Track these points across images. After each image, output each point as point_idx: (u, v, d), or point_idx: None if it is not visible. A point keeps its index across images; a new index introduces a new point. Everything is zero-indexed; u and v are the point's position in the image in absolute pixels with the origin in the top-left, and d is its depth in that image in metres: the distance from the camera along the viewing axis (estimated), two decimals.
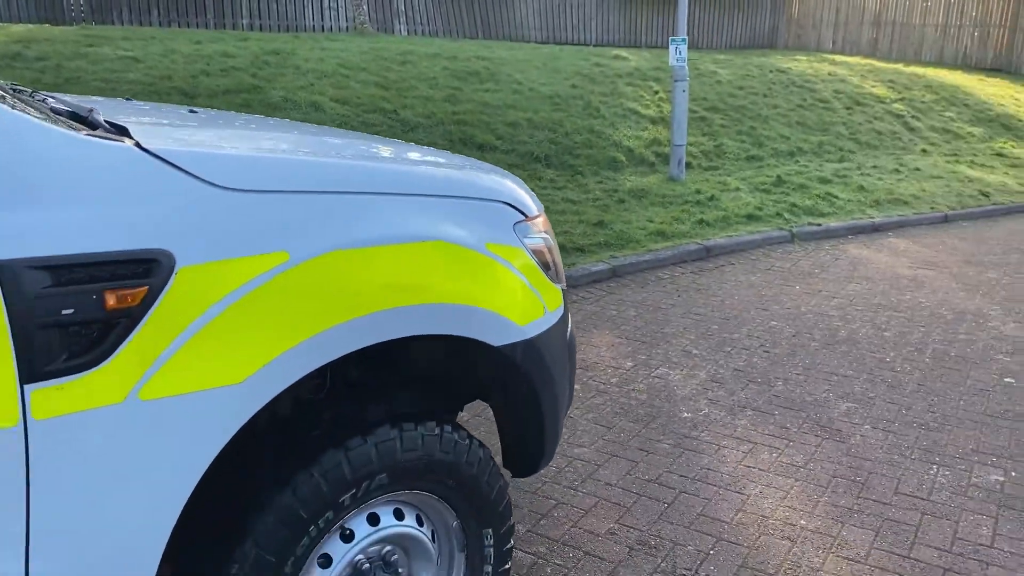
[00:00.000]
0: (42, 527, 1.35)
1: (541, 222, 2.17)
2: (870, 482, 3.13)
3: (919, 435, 3.52)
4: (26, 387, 1.28)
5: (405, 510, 1.91)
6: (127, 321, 1.37)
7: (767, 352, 4.43)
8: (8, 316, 1.26)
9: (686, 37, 8.11)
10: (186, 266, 1.43)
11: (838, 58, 18.38)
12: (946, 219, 7.74)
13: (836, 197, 7.92)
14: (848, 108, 12.22)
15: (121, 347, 1.37)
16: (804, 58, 17.34)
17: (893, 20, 23.09)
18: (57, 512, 1.35)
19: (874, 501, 3.00)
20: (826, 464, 3.26)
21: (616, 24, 22.05)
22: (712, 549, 2.70)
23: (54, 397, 1.31)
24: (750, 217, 7.12)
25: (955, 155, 10.62)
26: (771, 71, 13.89)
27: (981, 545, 2.74)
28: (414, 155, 2.18)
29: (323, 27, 17.47)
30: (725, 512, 2.92)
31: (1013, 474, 3.20)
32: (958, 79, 15.90)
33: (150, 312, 1.39)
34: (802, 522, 2.86)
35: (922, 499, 3.02)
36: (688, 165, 8.68)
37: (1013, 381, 4.11)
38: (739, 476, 3.16)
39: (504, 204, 2.02)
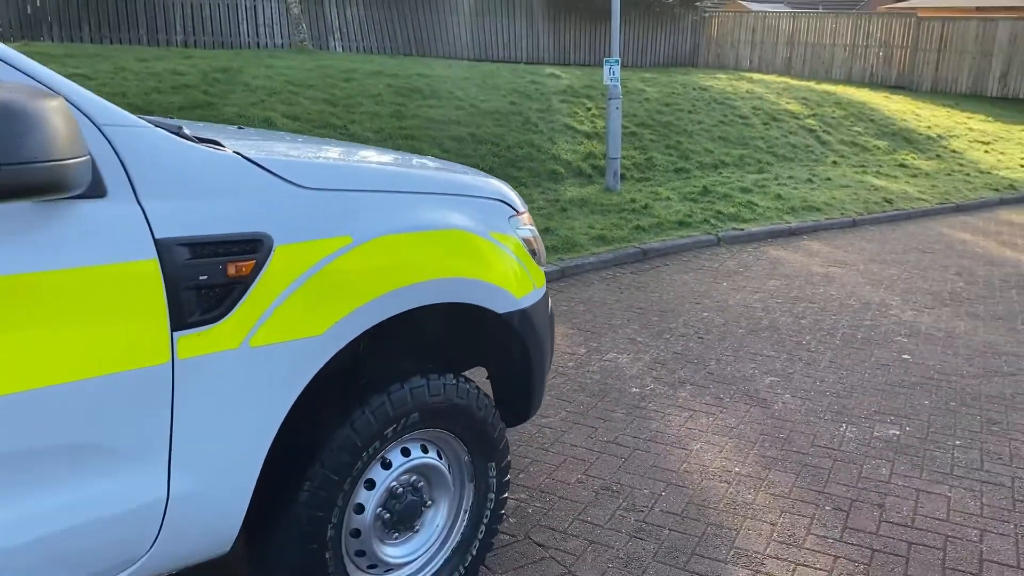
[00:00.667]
0: (180, 440, 1.78)
1: (527, 217, 2.68)
2: (791, 438, 3.72)
3: (831, 401, 4.14)
4: (175, 334, 1.73)
5: (428, 446, 2.38)
6: (241, 287, 1.82)
7: (701, 338, 5.02)
8: (164, 279, 1.70)
9: (619, 59, 8.75)
10: (280, 245, 1.88)
11: (755, 76, 19.44)
12: (854, 223, 8.54)
13: (756, 205, 8.65)
14: (765, 124, 13.10)
15: (237, 306, 1.82)
16: (724, 76, 18.33)
17: (805, 41, 24.43)
18: (191, 429, 1.79)
19: (795, 452, 3.59)
20: (754, 425, 3.84)
21: (545, 43, 22.78)
22: (663, 492, 3.23)
23: (192, 342, 1.75)
24: (681, 223, 7.77)
25: (862, 166, 11.55)
26: (694, 89, 14.73)
27: (880, 482, 3.34)
28: (432, 164, 2.67)
29: (258, 43, 17.66)
30: (673, 464, 3.46)
31: (907, 429, 3.83)
32: (865, 96, 17.07)
33: (256, 280, 1.85)
34: (736, 469, 3.42)
35: (834, 449, 3.62)
36: (622, 176, 9.31)
37: (909, 357, 4.79)
38: (683, 436, 3.71)
39: (501, 202, 2.53)
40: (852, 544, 2.90)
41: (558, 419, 3.87)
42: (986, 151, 13.59)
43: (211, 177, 1.83)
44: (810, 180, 10.21)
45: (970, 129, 15.24)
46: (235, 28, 17.47)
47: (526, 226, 2.63)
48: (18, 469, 1.58)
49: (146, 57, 10.88)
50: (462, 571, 2.48)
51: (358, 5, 19.11)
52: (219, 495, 1.88)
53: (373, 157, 2.50)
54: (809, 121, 13.63)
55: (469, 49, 21.10)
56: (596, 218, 7.75)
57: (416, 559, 2.40)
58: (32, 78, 1.59)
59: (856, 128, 13.77)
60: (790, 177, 10.33)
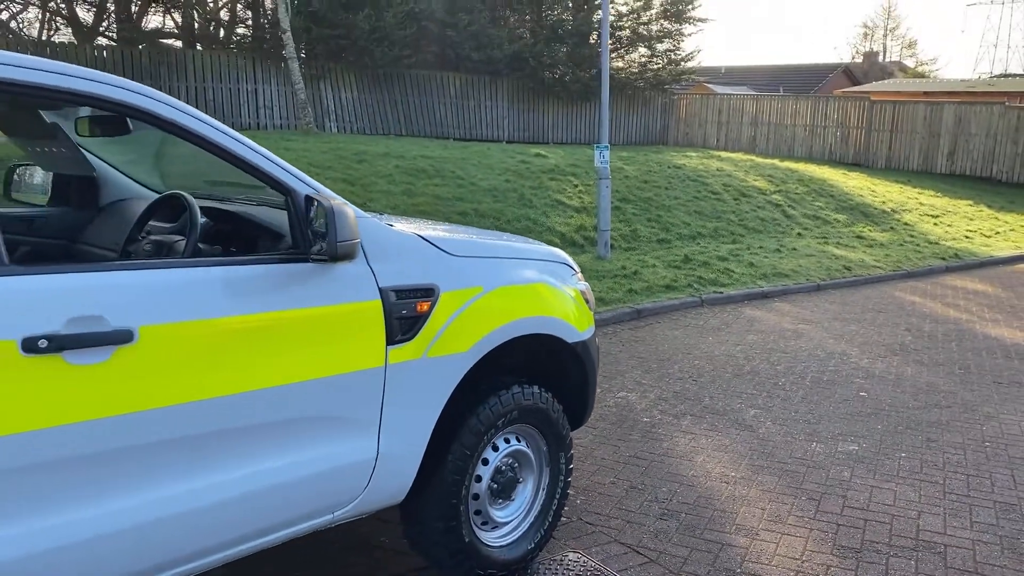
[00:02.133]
0: (386, 420, 2.74)
1: (580, 275, 3.70)
2: (773, 452, 4.71)
3: (803, 427, 5.14)
4: (388, 347, 2.70)
5: (520, 437, 3.33)
6: (423, 318, 2.81)
7: (695, 381, 6.02)
8: (384, 312, 2.68)
9: (608, 145, 9.95)
10: (444, 292, 2.88)
11: (723, 154, 20.95)
12: (818, 288, 9.68)
13: (733, 271, 9.78)
14: (736, 199, 14.40)
15: (420, 331, 2.80)
16: (694, 154, 19.79)
17: (768, 121, 26.18)
18: (392, 412, 2.75)
19: (777, 462, 4.56)
20: (744, 444, 4.82)
21: (526, 123, 24.26)
22: (678, 489, 4.18)
23: (396, 353, 2.73)
24: (667, 287, 8.85)
25: (824, 237, 12.81)
26: (669, 167, 16.08)
27: (843, 481, 4.32)
28: (518, 240, 3.70)
29: (258, 124, 18.84)
30: (683, 471, 4.42)
31: (864, 445, 4.83)
32: (825, 173, 18.55)
33: (431, 314, 2.83)
34: (732, 474, 4.39)
35: (807, 460, 4.60)
36: (612, 246, 10.42)
37: (865, 394, 5.82)
38: (689, 452, 4.68)
39: (565, 264, 3.55)
40: (823, 522, 3.87)
41: (588, 440, 4.82)
42: (935, 223, 14.98)
43: (405, 249, 2.83)
44: (779, 250, 11.41)
45: (921, 203, 16.69)
46: (237, 110, 18.66)
47: (581, 282, 3.65)
48: (301, 430, 2.53)
49: None
50: (541, 533, 3.41)
51: (351, 89, 20.42)
52: (404, 458, 2.83)
53: (487, 236, 3.51)
54: (775, 197, 14.97)
55: (455, 129, 22.47)
56: (593, 283, 8.80)
57: (512, 520, 3.33)
58: (311, 186, 2.60)
59: (818, 203, 15.12)
60: (760, 247, 11.52)
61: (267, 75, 19.09)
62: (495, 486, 3.22)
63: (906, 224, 14.67)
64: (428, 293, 2.83)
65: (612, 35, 27.15)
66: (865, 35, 62.32)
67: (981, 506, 4.07)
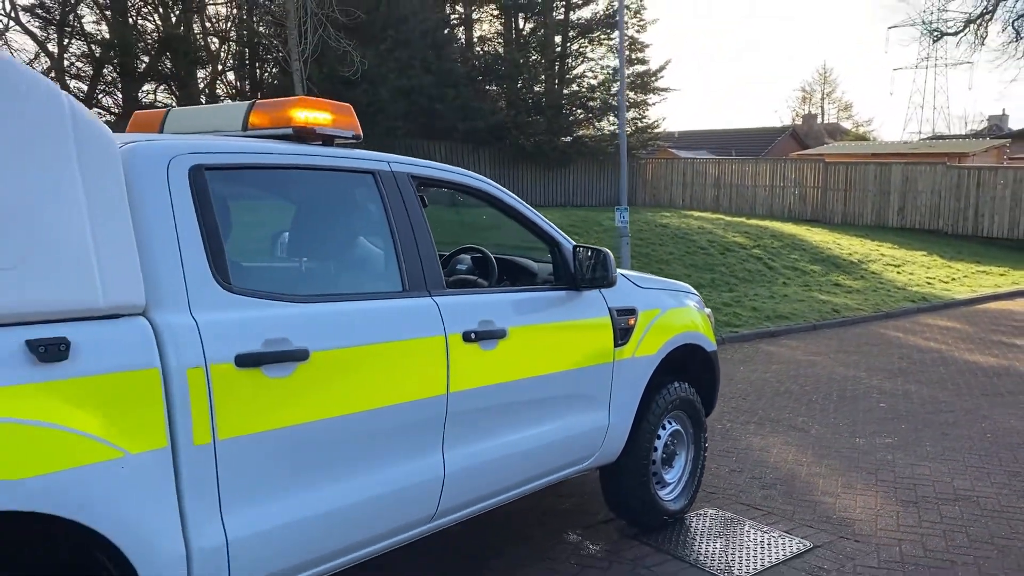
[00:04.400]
0: (613, 399, 3.96)
1: (702, 302, 4.98)
2: (828, 445, 5.97)
3: (844, 428, 6.43)
4: (614, 348, 3.93)
5: (676, 421, 4.55)
6: (631, 330, 4.05)
7: (744, 399, 7.30)
8: (612, 324, 3.92)
9: (627, 207, 11.36)
10: (640, 312, 4.13)
11: (695, 213, 22.60)
12: (815, 327, 11.12)
13: (740, 315, 11.18)
14: (722, 253, 15.93)
15: (630, 338, 4.04)
16: (669, 214, 21.39)
17: (730, 183, 28.12)
18: (616, 394, 3.96)
19: (834, 451, 5.83)
20: (803, 441, 6.09)
21: (507, 187, 25.73)
22: (769, 471, 5.41)
23: (618, 352, 3.96)
24: None
25: (807, 286, 14.35)
26: (656, 226, 17.61)
27: (888, 462, 5.60)
28: (662, 279, 4.98)
29: None
30: (767, 459, 5.65)
31: (896, 439, 6.14)
32: (792, 229, 20.26)
33: (635, 327, 4.08)
34: (804, 460, 5.64)
35: (856, 449, 5.88)
36: None
37: (884, 405, 7.16)
38: (765, 447, 5.93)
39: (697, 295, 4.83)
40: (883, 486, 5.13)
41: None
42: (898, 272, 16.69)
43: (618, 289, 4.09)
44: (772, 296, 12.87)
45: (882, 255, 18.45)
46: None
47: (706, 308, 4.92)
48: (565, 405, 3.73)
49: None
50: (691, 493, 4.60)
51: None
52: (621, 427, 4.03)
53: (651, 276, 4.76)
54: (756, 251, 16.55)
55: (441, 193, 23.82)
56: None
57: (673, 482, 4.52)
58: (571, 241, 3.85)
59: (794, 255, 16.75)
60: (755, 295, 12.97)
61: None
62: (664, 456, 4.43)
63: (873, 273, 16.33)
64: (632, 312, 4.08)
65: (583, 105, 29.12)
66: (804, 99, 65.95)
67: (995, 472, 5.39)
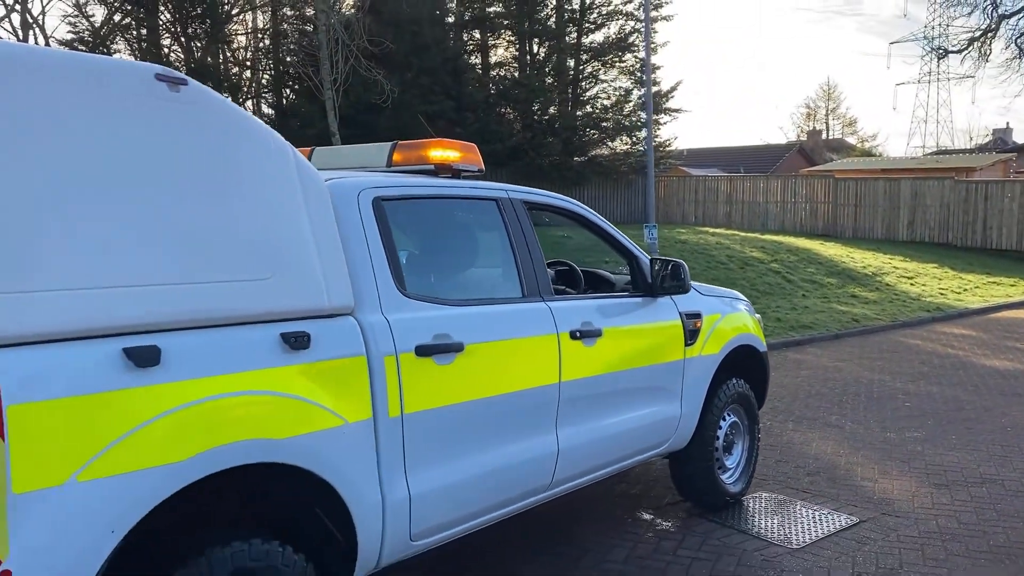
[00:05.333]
0: (684, 392, 4.56)
1: (752, 308, 5.58)
2: (862, 439, 6.55)
3: (875, 424, 7.00)
4: (685, 347, 4.54)
5: (734, 414, 5.14)
6: (698, 332, 4.65)
7: (780, 400, 7.87)
8: (682, 326, 4.53)
9: (656, 224, 11.98)
10: (705, 316, 4.74)
11: (709, 229, 23.22)
12: (837, 337, 11.69)
13: (765, 325, 11.74)
14: (741, 268, 16.53)
15: (697, 339, 4.64)
16: (685, 230, 22.02)
17: (742, 199, 28.73)
18: (687, 387, 4.57)
19: (867, 444, 6.40)
20: (838, 436, 6.66)
21: None
22: (812, 461, 5.98)
23: (688, 350, 4.57)
24: None
25: (825, 298, 14.93)
26: (675, 242, 18.21)
27: (919, 452, 6.17)
28: (720, 287, 5.59)
29: None
30: (809, 451, 6.23)
31: (924, 433, 6.71)
32: (805, 243, 20.85)
33: (700, 328, 4.68)
34: (842, 451, 6.21)
35: (888, 442, 6.45)
36: None
37: (910, 404, 7.73)
38: (806, 441, 6.50)
39: (746, 301, 5.43)
40: (916, 472, 5.70)
41: None
42: (911, 284, 17.25)
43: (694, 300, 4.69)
44: (793, 308, 13.45)
45: (895, 267, 19.01)
46: None
47: (756, 313, 5.53)
48: (647, 396, 4.33)
49: None
50: (747, 478, 5.18)
51: None
52: (691, 417, 4.63)
53: (708, 285, 5.37)
54: (773, 265, 17.14)
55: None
56: None
57: (732, 468, 5.10)
58: (645, 255, 4.47)
59: (810, 269, 17.34)
60: (777, 307, 13.55)
61: None
62: (724, 444, 5.01)
63: (888, 285, 16.90)
64: (698, 316, 4.68)
65: (597, 126, 29.86)
66: (808, 115, 66.67)
67: (1017, 460, 5.96)
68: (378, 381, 2.90)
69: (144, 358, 2.27)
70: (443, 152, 3.71)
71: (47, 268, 2.13)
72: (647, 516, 4.93)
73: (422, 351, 3.05)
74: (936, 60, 31.44)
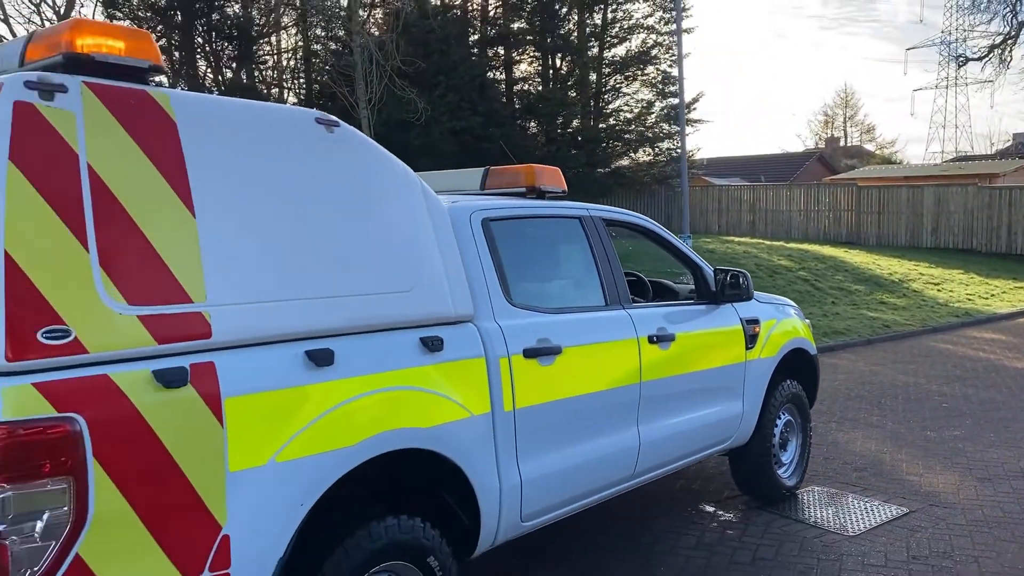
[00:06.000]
0: (746, 391, 4.93)
1: (802, 313, 5.94)
2: (904, 438, 6.88)
3: (915, 424, 7.32)
4: (746, 350, 4.91)
5: (788, 413, 5.49)
6: (757, 336, 5.02)
7: (821, 403, 8.17)
8: (743, 331, 4.90)
9: (690, 235, 12.34)
10: (763, 321, 5.11)
11: (734, 238, 23.52)
12: (869, 342, 11.99)
13: None
14: (770, 276, 16.83)
15: (756, 343, 5.02)
16: (710, 239, 22.34)
17: (765, 208, 28.97)
18: (748, 387, 4.94)
19: (909, 442, 6.73)
20: (881, 435, 6.99)
21: None
22: (858, 458, 6.32)
23: (748, 354, 4.94)
24: None
25: (855, 304, 15.21)
26: (703, 251, 18.51)
27: (959, 449, 6.50)
28: (772, 295, 5.96)
29: None
30: (853, 448, 6.56)
31: (963, 432, 7.03)
32: (830, 251, 21.12)
33: (759, 333, 5.05)
34: (885, 449, 6.55)
35: (928, 440, 6.78)
36: None
37: (947, 405, 8.04)
38: (848, 440, 6.84)
39: (796, 307, 5.80)
40: (959, 467, 6.02)
41: None
42: (938, 290, 17.49)
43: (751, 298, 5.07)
44: (824, 315, 13.76)
45: (920, 274, 19.25)
46: None
47: (805, 319, 5.89)
48: (713, 396, 4.71)
49: None
50: (800, 473, 5.53)
51: None
52: (752, 415, 5.00)
53: (762, 293, 5.74)
54: (801, 273, 17.44)
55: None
56: None
57: (788, 463, 5.46)
58: (709, 266, 4.85)
59: (838, 276, 17.62)
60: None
61: None
62: (780, 441, 5.37)
63: (915, 291, 17.15)
64: (757, 322, 5.06)
65: (619, 138, 30.29)
66: (826, 123, 66.77)
67: None
68: (495, 379, 3.30)
69: (322, 359, 2.68)
70: (531, 176, 4.12)
71: (255, 285, 2.56)
72: (709, 508, 5.30)
73: (529, 353, 3.45)
74: (957, 68, 31.60)
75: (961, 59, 31.04)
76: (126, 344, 2.26)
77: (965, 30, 33.53)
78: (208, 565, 2.38)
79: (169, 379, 2.31)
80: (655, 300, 4.99)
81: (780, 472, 5.37)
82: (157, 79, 2.58)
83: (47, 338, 2.11)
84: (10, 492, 2.04)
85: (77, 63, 2.36)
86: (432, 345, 3.06)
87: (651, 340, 4.15)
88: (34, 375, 2.10)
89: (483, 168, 4.23)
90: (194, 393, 2.36)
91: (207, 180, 2.51)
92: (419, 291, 3.07)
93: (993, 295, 17.25)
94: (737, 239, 23.50)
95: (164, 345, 2.33)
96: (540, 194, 4.24)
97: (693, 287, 4.99)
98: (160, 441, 2.28)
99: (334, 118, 2.95)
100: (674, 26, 29.31)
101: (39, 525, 2.09)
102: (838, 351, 11.40)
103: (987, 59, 30.06)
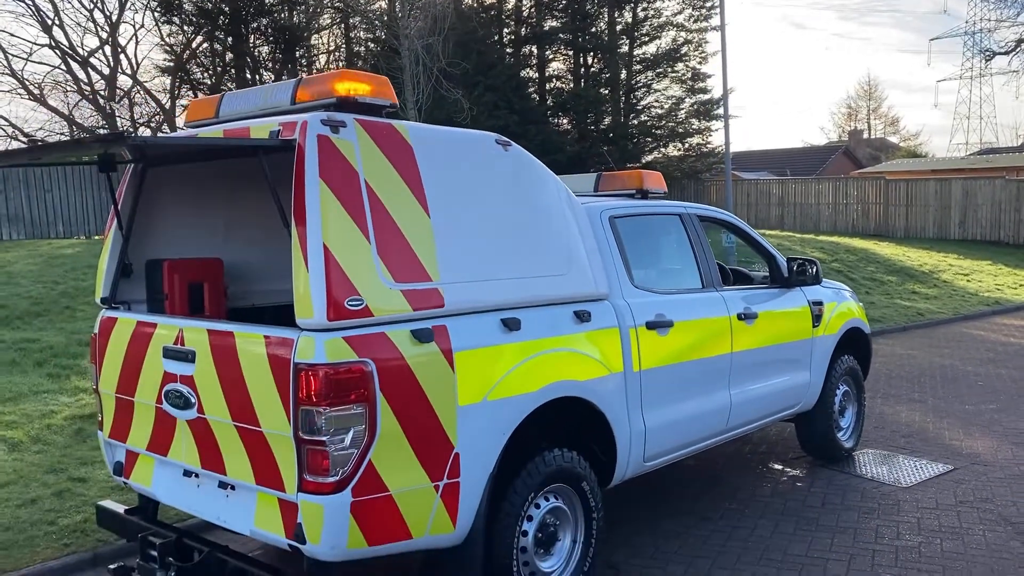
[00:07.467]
0: (812, 363, 5.70)
1: (856, 296, 6.69)
2: (944, 411, 7.61)
3: (953, 399, 8.05)
4: (812, 328, 5.69)
5: (845, 384, 6.24)
6: (820, 317, 5.79)
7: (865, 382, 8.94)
8: (810, 312, 5.67)
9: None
10: (825, 304, 5.88)
11: (765, 232, 24.05)
12: (904, 329, 12.68)
13: None
14: None
15: (820, 322, 5.78)
16: None
17: (794, 202, 29.55)
18: (814, 359, 5.71)
19: (950, 415, 7.47)
20: (923, 408, 7.73)
21: None
22: (902, 427, 7.07)
23: (815, 331, 5.72)
24: None
25: (887, 295, 15.88)
26: (736, 244, 19.19)
27: (995, 420, 7.23)
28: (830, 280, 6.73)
29: None
30: (898, 419, 7.31)
31: (997, 405, 7.75)
32: (860, 244, 21.71)
33: (823, 313, 5.82)
34: (928, 419, 7.29)
35: (966, 412, 7.51)
36: None
37: (982, 384, 8.76)
38: (893, 413, 7.58)
39: (850, 290, 6.55)
40: (996, 434, 6.76)
41: None
42: (968, 280, 18.09)
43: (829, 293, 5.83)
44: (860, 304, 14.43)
45: (950, 265, 19.83)
46: None
47: (859, 301, 6.64)
48: (786, 366, 5.49)
49: None
50: (857, 435, 6.30)
51: None
52: (817, 384, 5.77)
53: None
54: (834, 264, 18.09)
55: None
56: None
57: (846, 427, 6.22)
58: (780, 255, 5.63)
59: (870, 267, 18.27)
60: None
61: None
62: (839, 408, 6.14)
63: (945, 281, 17.77)
64: (821, 304, 5.82)
65: (650, 134, 30.95)
66: (849, 115, 66.82)
67: None
68: (626, 345, 4.10)
69: (512, 325, 3.50)
70: (639, 180, 4.93)
71: (467, 268, 3.38)
72: (778, 466, 6.08)
73: (650, 325, 4.25)
74: (985, 62, 31.96)
75: (987, 53, 31.41)
76: (395, 310, 3.09)
77: (991, 22, 33.87)
78: (446, 474, 3.20)
79: (422, 336, 3.14)
80: (734, 285, 5.76)
81: (839, 436, 6.13)
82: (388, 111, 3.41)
83: (350, 305, 2.94)
84: (332, 413, 2.88)
85: (345, 104, 3.19)
86: (583, 317, 3.87)
87: (739, 317, 4.93)
88: (343, 331, 2.94)
89: (595, 173, 5.04)
90: (436, 347, 3.19)
91: (434, 189, 3.33)
92: (571, 274, 3.88)
93: (1022, 285, 17.83)
94: (768, 232, 24.12)
95: (417, 312, 3.16)
96: (644, 195, 5.04)
97: (766, 274, 5.75)
98: (418, 381, 3.11)
99: (507, 139, 3.76)
100: (704, 23, 30.02)
101: (347, 438, 2.92)
102: (876, 337, 12.04)
103: (1015, 52, 30.44)
